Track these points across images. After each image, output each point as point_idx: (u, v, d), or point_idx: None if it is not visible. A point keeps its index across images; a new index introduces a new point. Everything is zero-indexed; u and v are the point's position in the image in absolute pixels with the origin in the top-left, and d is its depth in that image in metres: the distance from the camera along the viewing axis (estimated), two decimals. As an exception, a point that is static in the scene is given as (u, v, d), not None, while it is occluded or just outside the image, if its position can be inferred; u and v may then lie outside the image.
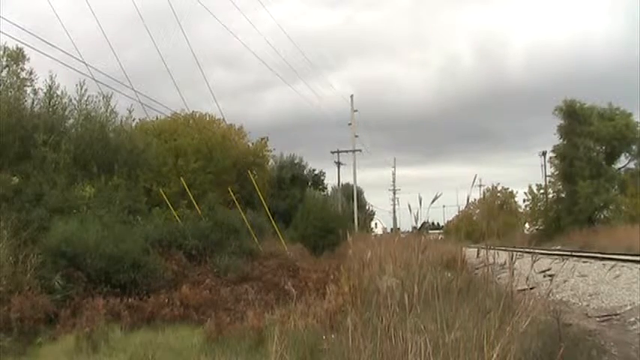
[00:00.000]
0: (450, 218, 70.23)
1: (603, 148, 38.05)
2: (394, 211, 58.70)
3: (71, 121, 17.83)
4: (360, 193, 47.56)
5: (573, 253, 19.98)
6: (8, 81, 17.28)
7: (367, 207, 56.08)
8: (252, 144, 31.40)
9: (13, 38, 16.15)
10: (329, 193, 41.53)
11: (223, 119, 28.77)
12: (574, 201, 36.76)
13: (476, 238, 39.33)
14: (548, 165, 42.95)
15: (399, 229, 39.90)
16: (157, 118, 25.91)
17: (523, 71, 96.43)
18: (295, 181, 35.19)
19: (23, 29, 17.10)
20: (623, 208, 36.62)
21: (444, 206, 58.36)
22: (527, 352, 4.60)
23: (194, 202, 19.33)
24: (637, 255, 15.62)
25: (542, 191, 44.14)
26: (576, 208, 36.43)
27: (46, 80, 17.28)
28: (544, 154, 43.38)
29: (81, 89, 17.83)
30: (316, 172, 38.82)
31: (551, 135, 40.10)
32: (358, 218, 41.42)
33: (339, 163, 42.33)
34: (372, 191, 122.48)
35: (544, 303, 6.11)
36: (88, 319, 9.16)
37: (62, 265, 11.04)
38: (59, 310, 9.88)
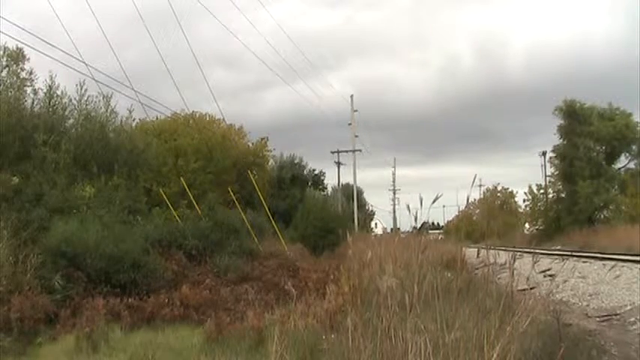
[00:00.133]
0: (450, 218, 70.29)
1: (603, 148, 38.04)
2: (394, 211, 58.77)
3: (71, 121, 17.84)
4: (360, 193, 47.63)
5: (573, 253, 19.98)
6: (8, 81, 17.29)
7: (367, 207, 56.15)
8: (252, 144, 31.43)
9: (13, 38, 16.16)
10: (329, 193, 41.57)
11: (223, 119, 28.83)
12: (574, 201, 36.76)
13: (476, 238, 39.49)
14: (548, 165, 43.02)
15: (399, 229, 39.91)
16: (157, 118, 25.97)
17: (523, 71, 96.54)
18: (295, 181, 35.20)
19: (23, 29, 17.09)
20: (623, 208, 36.61)
21: (444, 206, 58.29)
22: (527, 352, 4.60)
23: (194, 202, 19.33)
24: (637, 255, 15.61)
25: (542, 191, 44.14)
26: (576, 208, 36.43)
27: (46, 80, 17.32)
28: (544, 154, 43.42)
29: (81, 89, 17.87)
30: (316, 172, 38.88)
31: (551, 135, 40.17)
32: (358, 218, 41.43)
33: (339, 163, 42.39)
34: (372, 191, 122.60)
35: (544, 303, 6.12)
36: (88, 319, 9.15)
37: (62, 265, 11.03)
38: (59, 310, 9.87)
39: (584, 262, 16.44)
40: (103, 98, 18.44)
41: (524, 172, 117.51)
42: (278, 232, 21.73)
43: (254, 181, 23.40)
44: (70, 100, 17.68)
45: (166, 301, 11.13)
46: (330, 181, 43.20)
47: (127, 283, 11.69)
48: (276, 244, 20.14)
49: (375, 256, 7.50)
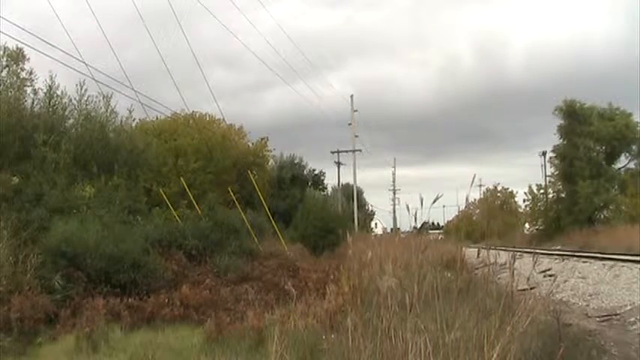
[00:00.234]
0: (450, 218, 70.28)
1: (603, 148, 38.02)
2: (394, 211, 58.78)
3: (71, 121, 17.84)
4: (360, 193, 47.63)
5: (573, 253, 19.98)
6: (8, 81, 17.29)
7: (367, 207, 56.15)
8: (252, 144, 31.42)
9: (13, 38, 16.16)
10: (329, 193, 41.57)
11: (223, 119, 28.82)
12: (574, 201, 36.75)
13: (476, 238, 39.49)
14: (548, 165, 43.00)
15: (399, 229, 39.93)
16: (157, 118, 25.96)
17: (523, 71, 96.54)
18: (295, 181, 35.19)
19: (23, 29, 17.10)
20: (623, 208, 36.60)
21: (444, 206, 58.33)
22: (527, 352, 4.60)
23: (194, 202, 19.33)
24: (637, 255, 15.60)
25: (542, 191, 44.12)
26: (576, 208, 36.42)
27: (46, 80, 17.32)
28: (544, 154, 43.41)
29: (81, 89, 17.86)
30: (316, 172, 38.87)
31: (551, 135, 40.14)
32: (358, 218, 41.43)
33: (339, 163, 42.39)
34: (372, 191, 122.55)
35: (544, 303, 6.12)
36: (88, 319, 9.16)
37: (62, 265, 11.03)
38: (59, 310, 9.88)
39: (584, 262, 16.44)
40: (103, 98, 18.47)
41: (524, 172, 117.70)
42: (278, 232, 21.73)
43: (254, 181, 23.40)
44: (70, 100, 17.71)
45: (166, 301, 11.13)
46: (330, 181, 43.27)
47: (127, 283, 11.68)
48: (276, 244, 20.13)
49: (375, 256, 7.50)
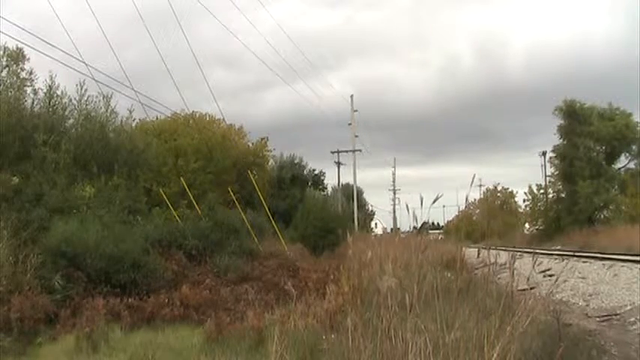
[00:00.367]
0: (450, 218, 70.32)
1: (603, 148, 38.04)
2: (394, 211, 58.82)
3: (71, 121, 17.84)
4: (360, 193, 47.63)
5: (573, 253, 19.99)
6: (8, 81, 17.29)
7: (367, 207, 56.14)
8: (252, 144, 31.42)
9: (13, 38, 16.15)
10: (329, 193, 41.56)
11: (223, 119, 28.82)
12: (574, 201, 36.75)
13: (476, 238, 39.52)
14: (548, 165, 43.03)
15: (399, 229, 39.92)
16: (157, 118, 25.96)
17: (523, 71, 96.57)
18: (295, 181, 35.19)
19: (23, 29, 17.10)
20: (623, 208, 36.61)
21: (444, 206, 58.33)
22: (527, 352, 4.60)
23: (194, 202, 19.33)
24: (637, 255, 15.61)
25: (542, 191, 44.13)
26: (576, 208, 36.43)
27: (46, 80, 17.32)
28: (544, 154, 43.43)
29: (81, 89, 17.86)
30: (316, 172, 38.87)
31: (551, 135, 40.18)
32: (358, 218, 41.43)
33: (339, 163, 42.39)
34: (372, 191, 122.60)
35: (544, 303, 6.12)
36: (88, 319, 9.15)
37: (62, 265, 11.03)
38: (59, 310, 9.87)
39: (584, 262, 16.44)
40: (103, 98, 18.47)
41: (524, 172, 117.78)
42: (278, 232, 21.73)
43: (254, 181, 23.39)
44: (70, 100, 17.71)
45: (166, 301, 11.13)
46: (330, 181, 43.27)
47: (127, 283, 11.68)
48: (276, 244, 20.13)
49: (375, 256, 7.49)
